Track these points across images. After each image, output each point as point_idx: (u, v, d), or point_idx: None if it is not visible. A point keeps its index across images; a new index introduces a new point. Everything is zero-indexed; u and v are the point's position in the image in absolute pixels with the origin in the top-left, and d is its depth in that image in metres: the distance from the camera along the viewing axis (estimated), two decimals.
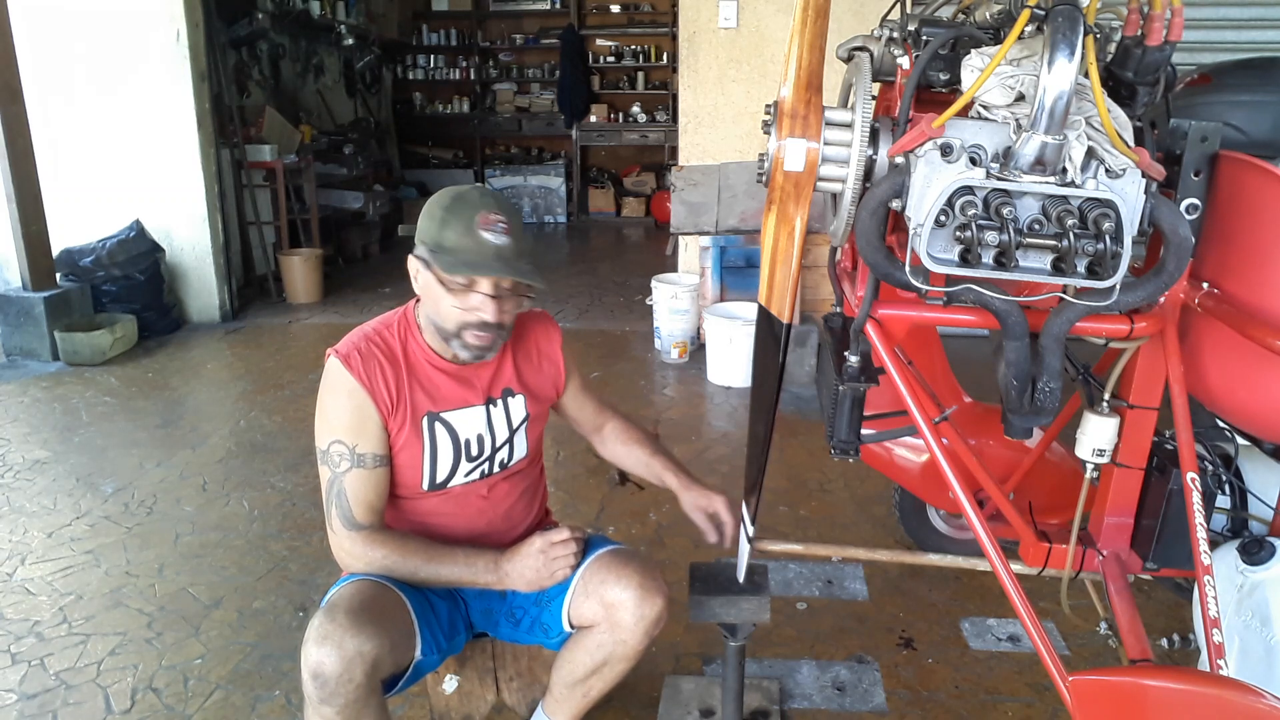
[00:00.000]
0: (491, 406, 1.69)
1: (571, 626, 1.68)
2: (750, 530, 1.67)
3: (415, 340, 1.63)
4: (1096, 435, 1.64)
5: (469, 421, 1.66)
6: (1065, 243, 1.21)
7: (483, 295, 1.54)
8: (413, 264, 1.58)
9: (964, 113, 1.25)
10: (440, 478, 1.65)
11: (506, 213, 1.55)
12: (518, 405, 1.72)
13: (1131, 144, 1.24)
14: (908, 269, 1.28)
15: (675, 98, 6.22)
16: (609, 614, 1.61)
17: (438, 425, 1.63)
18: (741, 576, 1.71)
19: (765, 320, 1.42)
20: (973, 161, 1.24)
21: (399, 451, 1.61)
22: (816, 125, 1.28)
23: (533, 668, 1.90)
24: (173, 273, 5.21)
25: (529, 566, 1.59)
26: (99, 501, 3.07)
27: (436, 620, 1.62)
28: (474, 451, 1.67)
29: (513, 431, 1.72)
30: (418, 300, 1.65)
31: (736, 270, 4.62)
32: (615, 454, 1.96)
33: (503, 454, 1.71)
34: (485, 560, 1.60)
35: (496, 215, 1.53)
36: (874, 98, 1.44)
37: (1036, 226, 1.22)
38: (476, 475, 1.69)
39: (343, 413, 1.56)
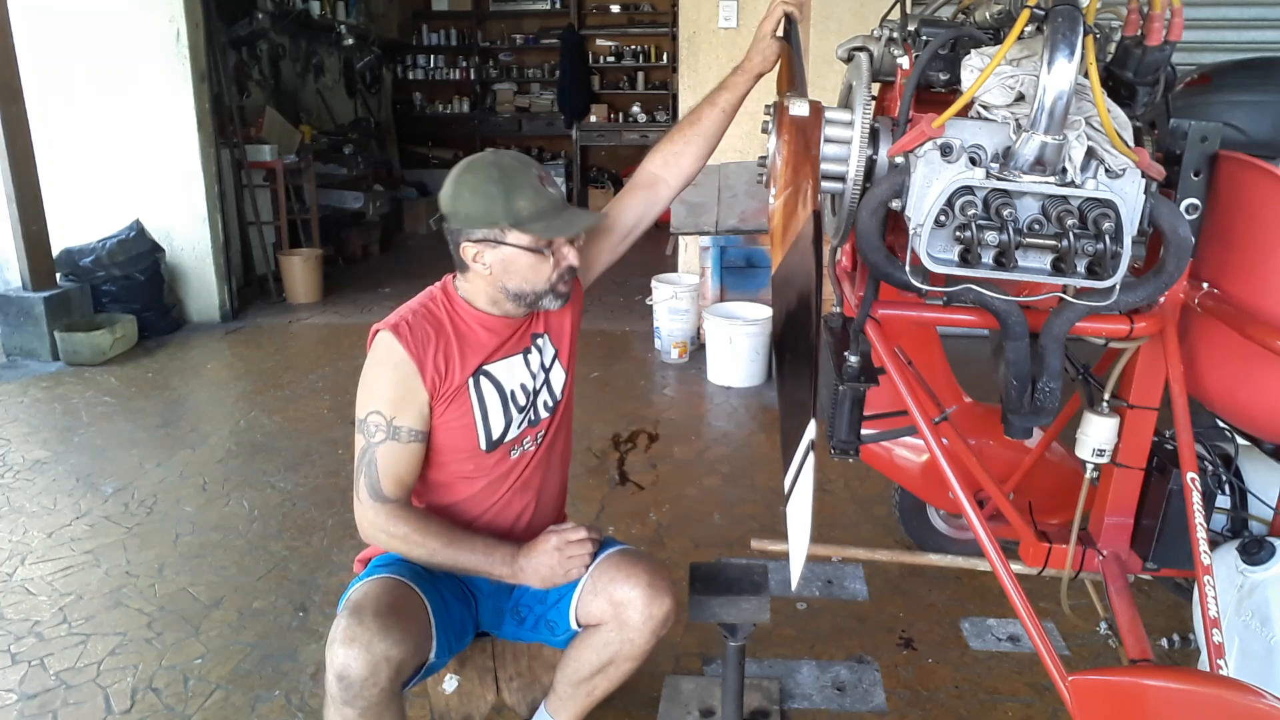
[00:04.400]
0: (528, 354, 1.71)
1: (579, 624, 1.69)
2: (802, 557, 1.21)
3: (461, 307, 1.65)
4: (1096, 435, 1.64)
5: (511, 372, 1.68)
6: (1065, 243, 1.21)
7: (569, 245, 1.60)
8: (470, 249, 1.57)
9: (964, 113, 1.26)
10: (496, 433, 1.66)
11: (530, 161, 1.60)
12: (546, 344, 1.75)
13: (1131, 144, 1.24)
14: (908, 269, 1.29)
15: (675, 98, 6.22)
16: (617, 612, 1.61)
17: (484, 381, 1.64)
18: (795, 580, 1.37)
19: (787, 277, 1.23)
20: (973, 161, 1.24)
21: (448, 418, 1.62)
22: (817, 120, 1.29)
23: (533, 667, 1.90)
24: (173, 273, 5.21)
25: (544, 564, 1.60)
26: (99, 501, 3.06)
27: (450, 621, 1.62)
28: (520, 401, 1.69)
29: (548, 370, 1.74)
30: (454, 276, 1.67)
31: (736, 270, 4.62)
32: (693, 165, 1.77)
33: (544, 395, 1.73)
34: (503, 553, 1.61)
35: (539, 169, 1.58)
36: (874, 98, 1.44)
37: (1036, 226, 1.22)
38: (525, 424, 1.71)
39: (386, 385, 1.57)
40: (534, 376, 1.72)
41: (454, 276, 1.68)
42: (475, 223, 1.54)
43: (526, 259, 1.56)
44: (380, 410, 1.57)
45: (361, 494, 1.59)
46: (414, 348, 1.57)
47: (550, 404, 1.75)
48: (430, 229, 1.66)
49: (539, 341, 1.74)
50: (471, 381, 1.63)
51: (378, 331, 1.61)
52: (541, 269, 1.58)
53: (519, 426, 1.70)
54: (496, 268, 1.58)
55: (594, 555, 1.66)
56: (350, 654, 1.39)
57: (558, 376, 1.77)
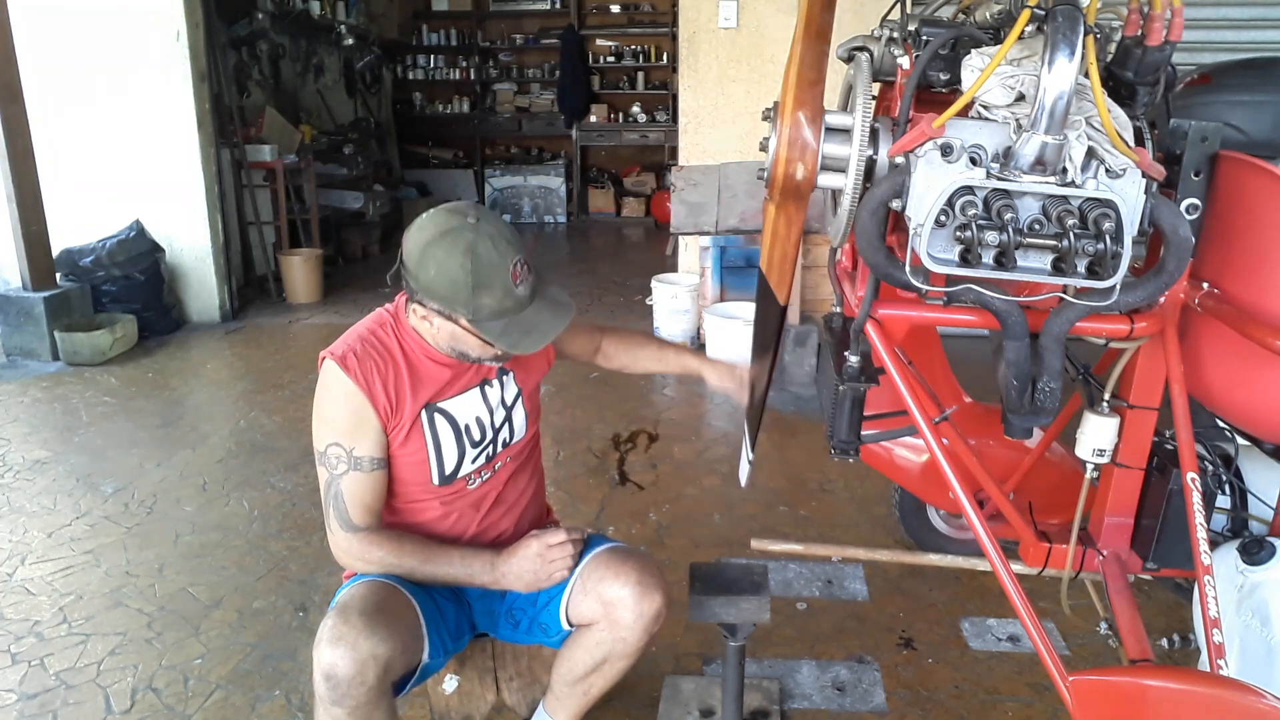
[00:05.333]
0: (486, 386, 1.68)
1: (570, 624, 1.68)
2: (750, 454, 1.81)
3: (410, 337, 1.61)
4: (1096, 435, 1.64)
5: (466, 406, 1.65)
6: (1065, 243, 1.21)
7: None
8: (421, 310, 1.53)
9: (964, 113, 1.25)
10: (449, 468, 1.64)
11: (512, 241, 1.49)
12: (510, 381, 1.72)
13: (1131, 144, 1.24)
14: (908, 269, 1.29)
15: (675, 98, 6.22)
16: (608, 611, 1.61)
17: (437, 416, 1.62)
18: (744, 481, 1.91)
19: (765, 283, 1.47)
20: (973, 161, 1.24)
21: (403, 450, 1.60)
22: (814, 148, 1.29)
23: (533, 667, 1.90)
24: (173, 273, 5.21)
25: (526, 569, 1.59)
26: (99, 501, 3.06)
27: (443, 622, 1.62)
28: (475, 436, 1.66)
29: (509, 409, 1.71)
30: (405, 298, 1.61)
31: (736, 270, 4.62)
32: (624, 364, 1.97)
33: (504, 433, 1.71)
34: (482, 561, 1.61)
35: (517, 259, 1.48)
36: (874, 98, 1.44)
37: (1036, 226, 1.22)
38: (483, 460, 1.69)
39: (340, 415, 1.55)
40: (492, 411, 1.68)
41: (406, 300, 1.61)
42: (434, 297, 1.49)
43: (474, 339, 1.53)
44: (339, 442, 1.55)
45: (333, 525, 1.58)
46: (362, 379, 1.54)
47: (509, 440, 1.73)
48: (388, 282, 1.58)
49: (503, 378, 1.71)
50: (425, 416, 1.60)
51: (324, 359, 1.57)
52: (487, 348, 1.55)
53: (474, 461, 1.67)
54: (444, 332, 1.55)
55: (579, 556, 1.65)
56: (336, 653, 1.39)
57: (519, 417, 1.74)
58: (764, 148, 1.33)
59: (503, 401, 1.71)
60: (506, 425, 1.71)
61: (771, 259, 1.40)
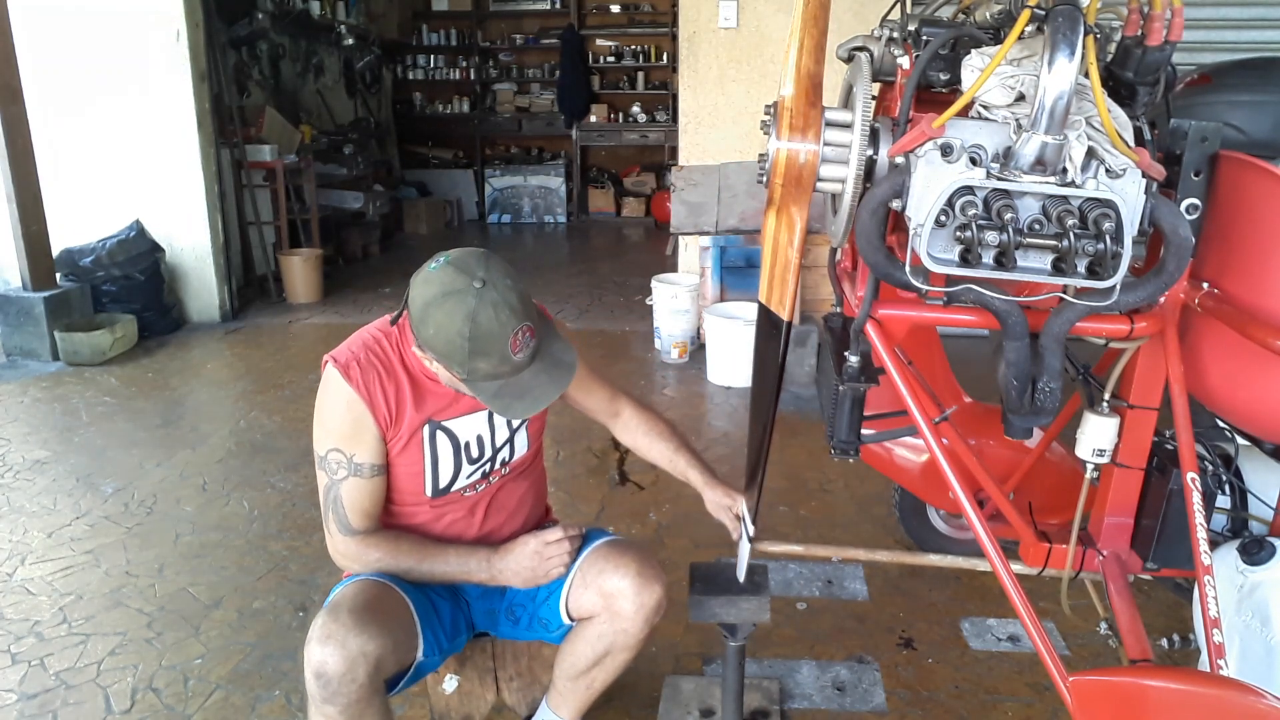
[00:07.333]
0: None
1: (570, 619, 1.69)
2: (750, 530, 1.68)
3: (414, 358, 1.60)
4: (1096, 435, 1.64)
5: (470, 425, 1.65)
6: (1065, 243, 1.21)
7: None
8: (422, 354, 1.53)
9: (964, 113, 1.25)
10: (443, 483, 1.65)
11: (516, 308, 1.44)
12: None
13: (1131, 144, 1.24)
14: (908, 269, 1.28)
15: (675, 98, 6.22)
16: (608, 603, 1.62)
17: (439, 433, 1.62)
18: (741, 575, 1.72)
19: (765, 317, 1.42)
20: (973, 161, 1.24)
21: (400, 462, 1.60)
22: (816, 125, 1.28)
23: (532, 667, 1.90)
24: (173, 273, 5.21)
25: (524, 565, 1.60)
26: (99, 501, 3.07)
27: (439, 621, 1.62)
28: (474, 454, 1.66)
29: (513, 432, 1.71)
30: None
31: (736, 270, 4.62)
32: (637, 445, 1.91)
33: (504, 453, 1.71)
34: (478, 558, 1.61)
35: (519, 327, 1.45)
36: (874, 98, 1.44)
37: (1036, 226, 1.22)
38: (478, 475, 1.69)
39: (341, 422, 1.55)
40: (494, 431, 1.68)
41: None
42: (433, 350, 1.48)
43: (465, 386, 1.53)
44: (340, 448, 1.55)
45: (331, 529, 1.59)
46: (364, 388, 1.54)
47: (508, 459, 1.72)
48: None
49: None
50: (426, 431, 1.60)
51: (328, 362, 1.57)
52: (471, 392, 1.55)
53: (469, 477, 1.67)
54: (443, 374, 1.55)
55: (577, 552, 1.65)
56: (326, 651, 1.39)
57: (522, 438, 1.73)
58: (763, 160, 1.32)
59: (508, 423, 1.70)
60: (508, 446, 1.71)
61: (773, 276, 1.35)
